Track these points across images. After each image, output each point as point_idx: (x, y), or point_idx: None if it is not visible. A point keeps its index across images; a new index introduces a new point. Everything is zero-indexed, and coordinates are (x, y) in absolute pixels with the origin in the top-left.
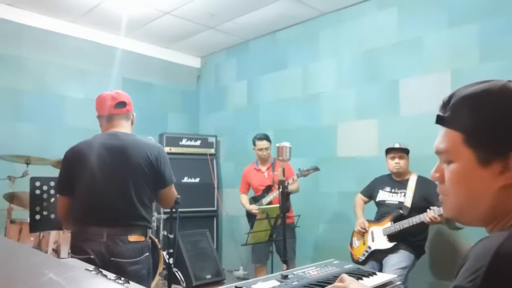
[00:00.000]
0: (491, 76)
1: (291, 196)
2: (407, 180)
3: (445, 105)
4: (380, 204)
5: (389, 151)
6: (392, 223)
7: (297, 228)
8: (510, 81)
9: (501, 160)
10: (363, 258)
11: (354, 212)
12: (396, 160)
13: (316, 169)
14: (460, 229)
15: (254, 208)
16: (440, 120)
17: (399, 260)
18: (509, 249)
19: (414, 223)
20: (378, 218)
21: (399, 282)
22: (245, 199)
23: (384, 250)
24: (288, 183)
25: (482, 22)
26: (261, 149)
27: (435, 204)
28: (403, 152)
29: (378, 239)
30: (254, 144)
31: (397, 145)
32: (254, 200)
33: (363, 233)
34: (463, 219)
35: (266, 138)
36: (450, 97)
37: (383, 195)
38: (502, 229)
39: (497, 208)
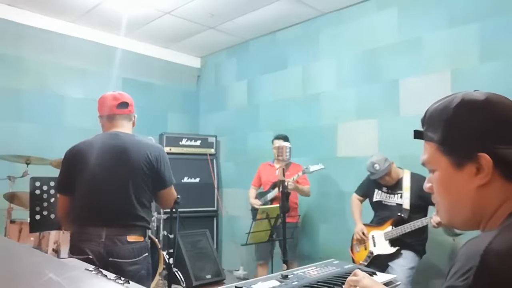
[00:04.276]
0: (491, 76)
1: (300, 196)
2: (401, 179)
3: (422, 121)
4: (377, 204)
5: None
6: (393, 227)
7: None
8: (472, 91)
9: (473, 162)
10: (366, 264)
11: (351, 214)
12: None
13: (321, 167)
14: (460, 235)
15: (257, 202)
16: (419, 135)
17: (406, 261)
18: (497, 248)
19: (416, 227)
20: (378, 222)
21: (399, 282)
22: (252, 192)
23: (387, 255)
24: (293, 179)
25: (482, 22)
26: (275, 147)
27: (431, 201)
28: (384, 175)
29: (380, 243)
30: (272, 143)
31: (376, 168)
32: (260, 195)
33: (364, 240)
34: (455, 224)
35: (283, 138)
36: (425, 113)
37: (380, 195)
38: (491, 229)
39: (479, 209)
